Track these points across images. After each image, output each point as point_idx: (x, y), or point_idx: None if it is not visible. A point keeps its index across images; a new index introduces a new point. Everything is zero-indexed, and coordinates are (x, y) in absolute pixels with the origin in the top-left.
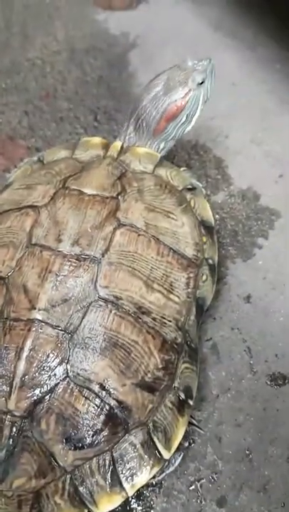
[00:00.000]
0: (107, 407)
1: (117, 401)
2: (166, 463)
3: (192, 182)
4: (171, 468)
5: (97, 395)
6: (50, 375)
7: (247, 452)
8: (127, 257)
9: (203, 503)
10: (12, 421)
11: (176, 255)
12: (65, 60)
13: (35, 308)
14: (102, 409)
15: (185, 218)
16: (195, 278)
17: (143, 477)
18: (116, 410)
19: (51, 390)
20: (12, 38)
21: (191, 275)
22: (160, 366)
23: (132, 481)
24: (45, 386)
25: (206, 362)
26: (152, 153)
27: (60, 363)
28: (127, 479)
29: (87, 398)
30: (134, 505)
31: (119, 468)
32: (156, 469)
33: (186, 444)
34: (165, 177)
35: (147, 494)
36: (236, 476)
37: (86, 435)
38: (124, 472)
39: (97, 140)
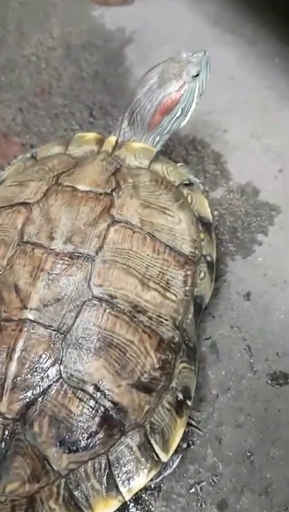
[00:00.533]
0: (102, 408)
1: (113, 402)
2: (164, 465)
3: (189, 177)
4: (169, 471)
5: (91, 397)
6: (42, 377)
7: (248, 454)
8: (122, 254)
9: (204, 506)
10: (4, 424)
11: (172, 252)
12: (61, 56)
13: (26, 308)
14: (96, 411)
15: (182, 214)
16: (192, 276)
17: (140, 480)
18: (111, 412)
19: (44, 392)
20: (7, 35)
21: (189, 273)
22: (157, 366)
23: (129, 484)
24: (38, 388)
25: (205, 361)
26: (148, 148)
27: (52, 364)
28: (123, 483)
29: (81, 400)
30: (133, 510)
31: (116, 472)
32: (153, 472)
33: (185, 446)
34: (161, 172)
35: (146, 498)
36: (237, 479)
37: (81, 438)
38: (120, 476)
39: (91, 135)
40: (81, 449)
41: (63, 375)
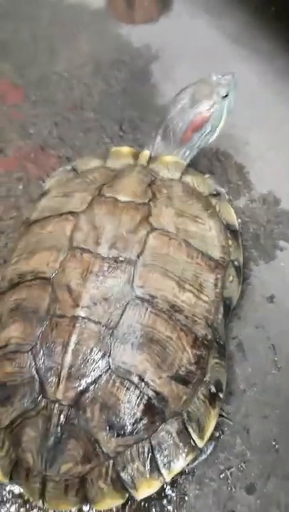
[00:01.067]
0: (146, 397)
1: (155, 392)
2: (200, 451)
3: (216, 188)
4: (204, 456)
5: (136, 386)
6: (94, 367)
7: (273, 443)
8: (160, 259)
9: (234, 490)
10: (60, 409)
11: (204, 257)
12: (91, 72)
13: (78, 306)
14: (141, 399)
15: (212, 222)
16: (222, 279)
17: (179, 464)
18: (154, 401)
19: (95, 381)
20: (39, 52)
21: (219, 276)
22: (193, 361)
23: (170, 467)
24: (90, 377)
25: (233, 359)
26: (179, 161)
27: (102, 356)
28: (164, 465)
29: (128, 389)
30: (169, 492)
31: (158, 455)
32: (190, 457)
33: (217, 435)
34: (191, 184)
35: (181, 482)
36: (264, 465)
37: (127, 423)
38: (161, 459)
39: (126, 150)
40: (128, 433)
41: (112, 366)
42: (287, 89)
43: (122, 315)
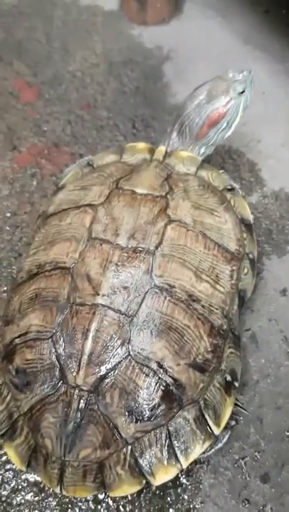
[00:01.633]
0: (164, 383)
1: (173, 378)
2: (216, 439)
3: (231, 183)
4: (220, 445)
5: (155, 373)
6: (113, 354)
7: (287, 433)
8: (178, 249)
9: (248, 479)
10: (80, 395)
11: (220, 249)
12: (104, 72)
13: (98, 294)
14: (159, 385)
15: (227, 216)
16: (238, 271)
17: (196, 450)
18: (172, 387)
19: (115, 367)
20: (53, 52)
21: (234, 268)
22: (209, 349)
23: (187, 453)
24: (110, 363)
25: (246, 350)
26: (194, 156)
27: (122, 343)
28: (181, 452)
29: (147, 375)
30: (184, 481)
31: (175, 442)
32: (207, 443)
33: (233, 423)
34: (207, 178)
35: (196, 470)
36: (278, 455)
37: (146, 409)
38: (179, 445)
39: (142, 145)
40: (146, 418)
41: (131, 353)
42: None
43: (141, 303)
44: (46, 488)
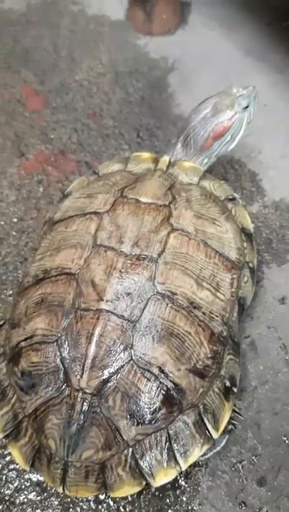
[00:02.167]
0: (165, 388)
1: (174, 383)
2: (214, 443)
3: (232, 193)
4: (218, 449)
5: (156, 377)
6: (116, 358)
7: (284, 438)
8: (180, 257)
9: (245, 482)
10: (83, 398)
11: (221, 258)
12: (110, 81)
13: (102, 300)
14: (160, 389)
15: (228, 225)
16: (238, 279)
17: (195, 453)
18: (172, 391)
19: (117, 371)
20: (60, 61)
21: (235, 276)
22: (209, 355)
23: (186, 456)
24: (113, 367)
25: (245, 357)
26: (197, 167)
27: (125, 348)
28: (181, 455)
29: (148, 379)
30: (183, 483)
31: (174, 445)
32: (206, 447)
33: (230, 428)
34: (208, 188)
35: (194, 473)
36: (275, 459)
37: (147, 412)
38: (178, 448)
39: (147, 155)
40: (147, 422)
41: (133, 357)
42: None
43: (143, 309)
44: (49, 488)
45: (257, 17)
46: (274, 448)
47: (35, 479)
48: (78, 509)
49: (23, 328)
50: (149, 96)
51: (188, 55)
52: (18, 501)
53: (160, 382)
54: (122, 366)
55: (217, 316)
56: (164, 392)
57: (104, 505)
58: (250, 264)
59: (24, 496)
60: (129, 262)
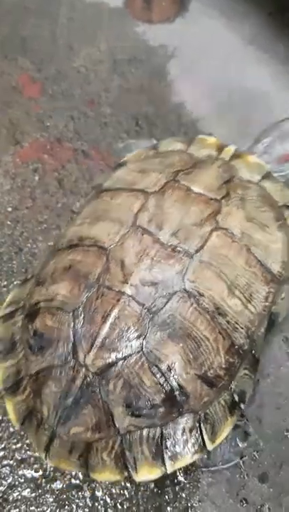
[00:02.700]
0: (169, 387)
1: (179, 385)
2: (207, 453)
3: None
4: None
5: (163, 375)
6: (127, 345)
7: (286, 433)
8: (218, 259)
9: (246, 478)
10: (85, 374)
11: (262, 268)
12: (108, 69)
13: (127, 283)
14: (164, 388)
15: (280, 235)
16: (274, 294)
17: (184, 460)
18: (176, 393)
19: (125, 358)
20: (58, 48)
21: (272, 290)
22: (223, 366)
23: (174, 459)
24: (121, 353)
25: None
26: (262, 164)
27: (138, 337)
28: (169, 457)
29: (154, 374)
30: (182, 479)
31: (165, 445)
32: (197, 456)
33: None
34: (268, 190)
35: (194, 469)
36: (276, 455)
37: (144, 406)
38: (169, 449)
39: (212, 140)
40: (142, 415)
41: (144, 349)
42: None
43: (166, 303)
44: (43, 485)
45: (259, 7)
46: (276, 443)
47: (29, 475)
48: (74, 506)
49: (46, 288)
50: (147, 84)
51: (188, 44)
52: (11, 498)
53: (165, 381)
54: (130, 354)
55: (242, 328)
56: (166, 391)
57: (102, 502)
58: None
59: (18, 493)
60: (164, 251)
